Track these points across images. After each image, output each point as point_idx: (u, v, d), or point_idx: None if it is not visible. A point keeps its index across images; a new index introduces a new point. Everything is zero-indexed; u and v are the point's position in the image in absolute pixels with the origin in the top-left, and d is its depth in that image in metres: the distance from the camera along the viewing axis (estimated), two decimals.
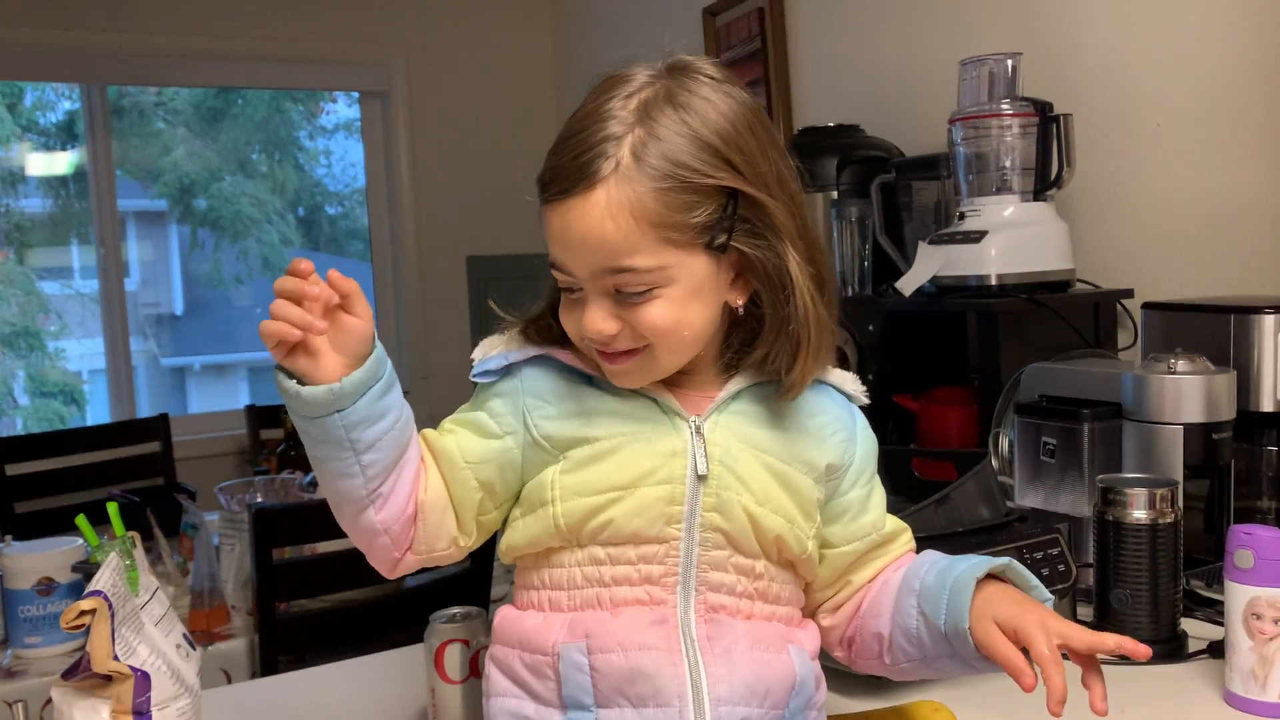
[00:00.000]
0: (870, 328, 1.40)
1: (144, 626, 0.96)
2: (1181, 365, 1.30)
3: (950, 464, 1.31)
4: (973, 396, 1.90)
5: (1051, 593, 1.15)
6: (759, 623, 0.85)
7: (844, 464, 0.91)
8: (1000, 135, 1.83)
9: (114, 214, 3.70)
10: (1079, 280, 1.88)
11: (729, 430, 0.85)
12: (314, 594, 1.75)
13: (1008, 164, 1.83)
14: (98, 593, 0.87)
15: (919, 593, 0.88)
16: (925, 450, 1.54)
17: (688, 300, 0.80)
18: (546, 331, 0.88)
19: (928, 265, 1.83)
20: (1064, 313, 1.79)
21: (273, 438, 2.92)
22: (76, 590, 1.67)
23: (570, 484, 0.82)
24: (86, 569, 1.65)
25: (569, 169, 0.78)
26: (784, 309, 0.82)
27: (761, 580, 0.85)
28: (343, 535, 1.71)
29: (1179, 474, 1.29)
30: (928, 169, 2.02)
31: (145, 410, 3.62)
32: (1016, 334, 1.76)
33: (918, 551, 0.97)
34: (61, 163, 4.49)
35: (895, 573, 0.93)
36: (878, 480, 0.95)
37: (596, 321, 0.80)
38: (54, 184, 4.44)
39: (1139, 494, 1.18)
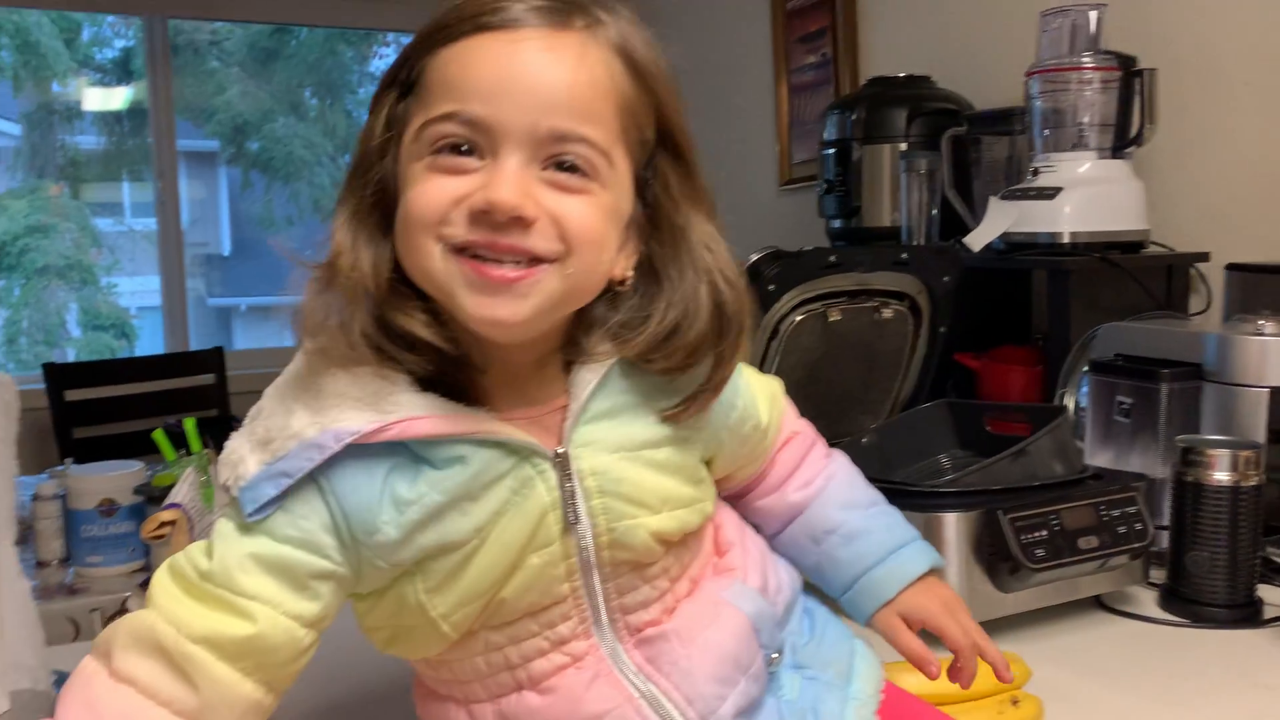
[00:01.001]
0: (945, 279, 1.37)
1: None
2: (1269, 327, 1.27)
3: (1023, 420, 1.29)
4: (1036, 357, 1.86)
5: (1127, 553, 1.14)
6: (685, 606, 0.73)
7: (729, 414, 0.77)
8: (1080, 90, 1.78)
9: (172, 150, 3.72)
10: (1152, 242, 1.84)
11: (598, 446, 0.69)
12: None
13: (1086, 119, 1.78)
14: (177, 505, 0.88)
15: (823, 554, 0.83)
16: (999, 404, 1.52)
17: (608, 221, 0.66)
18: (397, 342, 0.64)
19: (999, 221, 1.79)
20: (1137, 274, 1.75)
21: None
22: (137, 512, 1.69)
23: (446, 598, 0.67)
24: (148, 491, 1.67)
25: (534, 3, 0.64)
26: (691, 282, 0.68)
27: (670, 566, 0.73)
28: None
29: (1262, 438, 1.26)
30: (1000, 123, 1.97)
31: (195, 347, 3.65)
32: (1087, 294, 1.72)
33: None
34: (117, 99, 4.51)
35: (786, 471, 0.85)
36: (746, 378, 0.81)
37: (514, 190, 0.61)
38: (109, 120, 4.47)
39: (1222, 455, 1.15)
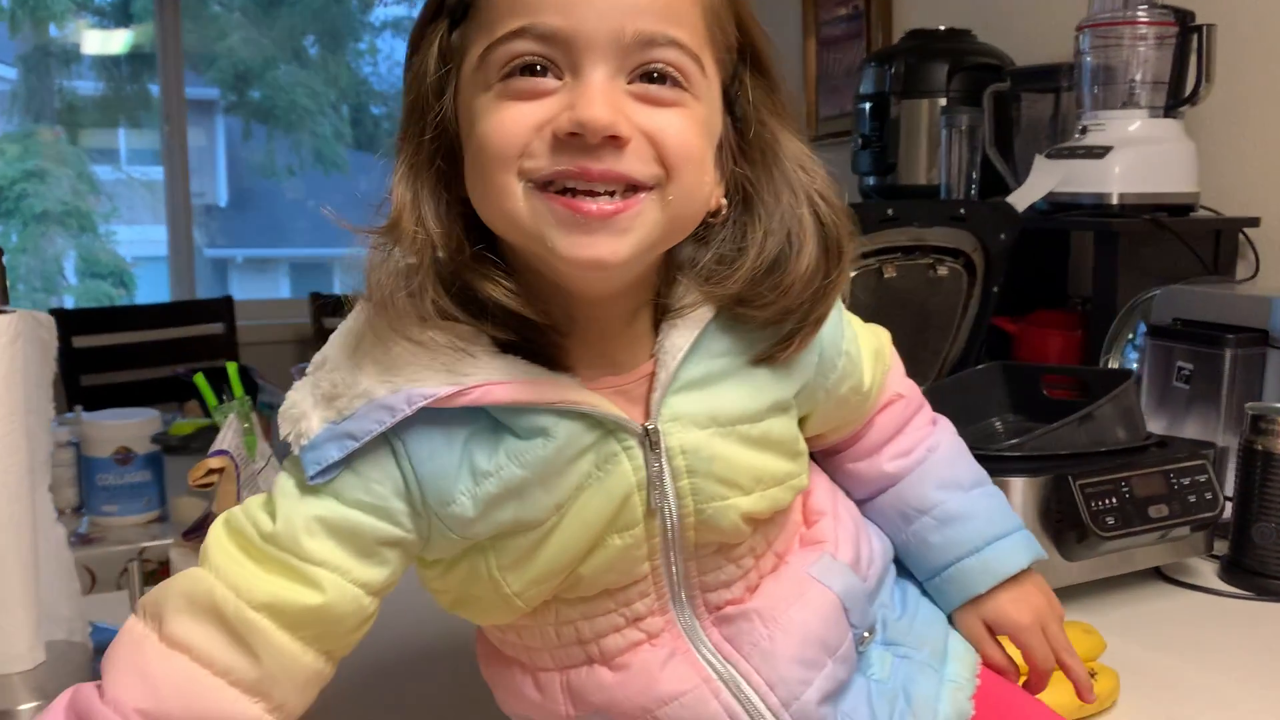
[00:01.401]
0: (1002, 236, 1.32)
1: (258, 486, 0.91)
2: None
3: (1081, 384, 1.24)
4: (1076, 321, 1.82)
5: (1196, 524, 1.10)
6: (769, 583, 0.68)
7: (818, 377, 0.70)
8: (1134, 45, 1.71)
9: (180, 97, 3.63)
10: (1200, 205, 1.79)
11: (689, 420, 0.63)
12: None
13: (1138, 77, 1.72)
14: (223, 452, 0.83)
15: (913, 534, 0.76)
16: (1059, 367, 1.47)
17: (706, 137, 0.59)
18: (469, 304, 0.58)
19: (1045, 180, 1.74)
20: (1185, 238, 1.70)
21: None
22: (153, 462, 1.64)
23: (521, 576, 0.62)
24: (165, 440, 1.62)
25: None
26: (789, 205, 0.62)
27: (757, 544, 0.68)
28: None
29: None
30: (1045, 79, 1.91)
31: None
32: (1133, 258, 1.67)
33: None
34: (117, 42, 4.41)
35: (884, 437, 0.79)
36: (855, 329, 0.74)
37: (605, 105, 0.54)
38: (107, 65, 4.37)
39: None
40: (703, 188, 0.59)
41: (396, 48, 4.92)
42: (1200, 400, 1.31)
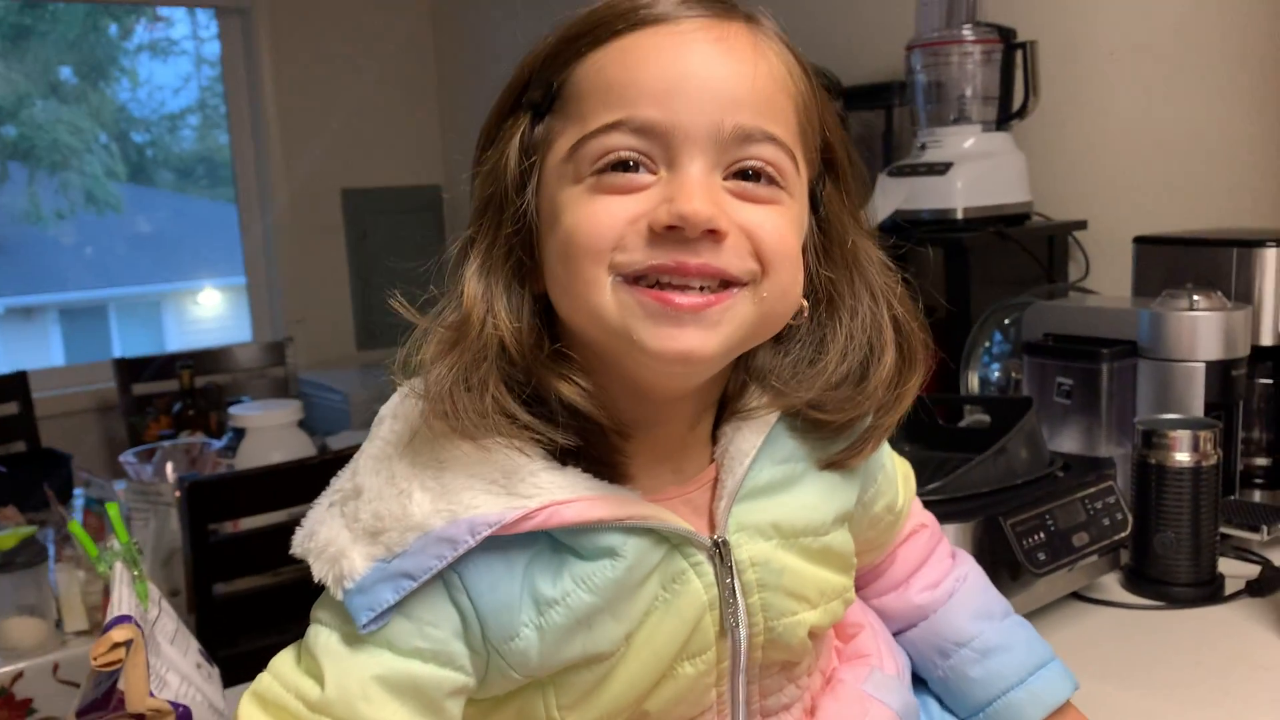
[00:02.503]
0: None
1: (161, 647, 0.79)
2: (1202, 302, 1.28)
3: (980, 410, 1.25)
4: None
5: (1105, 545, 1.13)
6: (827, 703, 0.66)
7: (869, 486, 0.69)
8: (961, 63, 1.77)
9: None
10: (1034, 213, 1.86)
11: (757, 530, 0.60)
12: (258, 571, 1.57)
13: (968, 92, 1.78)
14: (126, 618, 0.71)
15: (952, 669, 0.74)
16: (952, 396, 1.49)
17: (799, 236, 0.58)
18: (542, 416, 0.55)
19: (890, 198, 1.77)
20: (1025, 246, 1.77)
21: (156, 392, 2.63)
22: None
23: (582, 716, 0.58)
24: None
25: None
26: (870, 311, 0.61)
27: (811, 663, 0.66)
28: (277, 507, 1.50)
29: (1199, 411, 1.28)
30: (877, 98, 1.95)
31: None
32: (981, 269, 1.73)
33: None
34: None
35: (909, 569, 0.78)
36: (890, 455, 0.74)
37: (705, 199, 0.52)
38: None
39: (1183, 436, 1.15)
40: (796, 286, 0.57)
41: (155, 70, 4.63)
42: (1080, 413, 1.35)
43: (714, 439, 0.61)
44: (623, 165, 0.53)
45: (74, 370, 3.17)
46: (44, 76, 4.41)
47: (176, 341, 5.29)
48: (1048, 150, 1.91)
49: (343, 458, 1.72)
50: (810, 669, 0.65)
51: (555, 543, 0.55)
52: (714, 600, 0.58)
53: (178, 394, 2.22)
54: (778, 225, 0.55)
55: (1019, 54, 1.75)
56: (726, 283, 0.53)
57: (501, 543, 0.54)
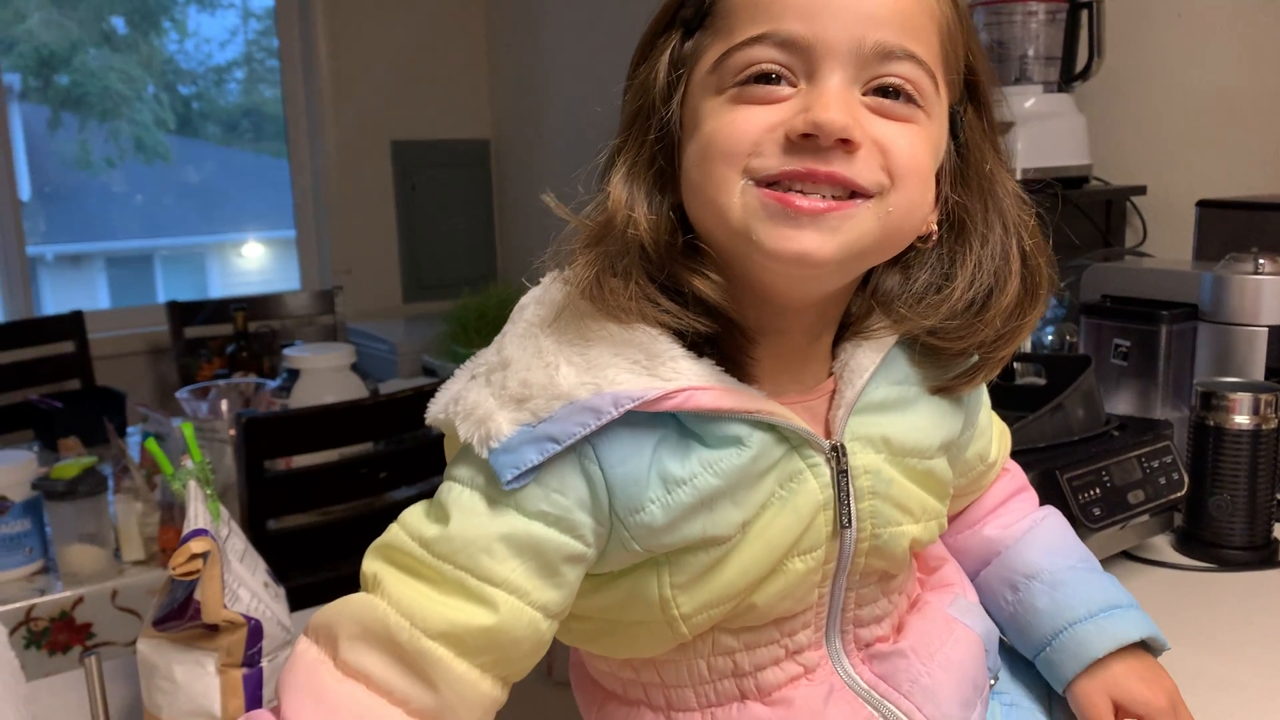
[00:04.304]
0: None
1: (232, 564, 0.81)
2: (1268, 265, 1.26)
3: (1035, 368, 1.25)
4: None
5: (1161, 505, 1.12)
6: (914, 621, 0.67)
7: (970, 425, 0.71)
8: (1025, 22, 1.75)
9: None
10: (1093, 177, 1.84)
11: (869, 441, 0.61)
12: (310, 508, 1.60)
13: (1030, 53, 1.76)
14: (203, 531, 0.73)
15: (1020, 602, 0.74)
16: (1014, 354, 1.48)
17: (933, 157, 0.58)
18: (673, 299, 0.56)
19: None
20: (1083, 209, 1.75)
21: (208, 335, 2.66)
22: (32, 509, 1.48)
23: (694, 598, 0.59)
24: (47, 485, 1.47)
25: None
26: (1000, 240, 0.61)
27: (905, 580, 0.68)
28: (330, 446, 1.52)
29: (1259, 376, 1.27)
30: None
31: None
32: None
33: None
34: None
35: (987, 507, 0.79)
36: (989, 406, 0.76)
37: (842, 109, 0.53)
38: None
39: (1243, 399, 1.14)
40: (923, 206, 0.58)
41: (203, 23, 4.65)
42: (1137, 375, 1.34)
43: (834, 355, 0.63)
44: (764, 77, 0.55)
45: (126, 312, 3.22)
46: (96, 25, 4.45)
47: (220, 293, 5.35)
48: (1108, 113, 1.88)
49: (396, 399, 1.74)
50: (901, 587, 0.67)
51: (683, 428, 0.57)
52: (828, 500, 0.60)
53: (231, 336, 2.25)
54: (911, 142, 0.56)
55: (1084, 14, 1.72)
56: (854, 194, 0.54)
57: (634, 421, 0.56)
